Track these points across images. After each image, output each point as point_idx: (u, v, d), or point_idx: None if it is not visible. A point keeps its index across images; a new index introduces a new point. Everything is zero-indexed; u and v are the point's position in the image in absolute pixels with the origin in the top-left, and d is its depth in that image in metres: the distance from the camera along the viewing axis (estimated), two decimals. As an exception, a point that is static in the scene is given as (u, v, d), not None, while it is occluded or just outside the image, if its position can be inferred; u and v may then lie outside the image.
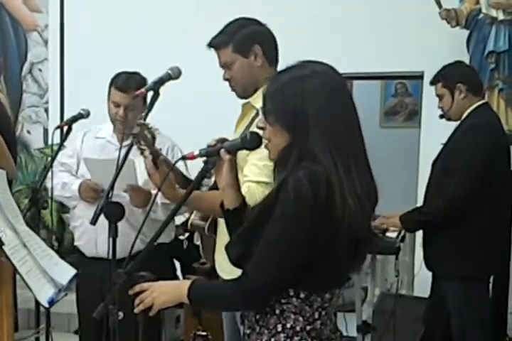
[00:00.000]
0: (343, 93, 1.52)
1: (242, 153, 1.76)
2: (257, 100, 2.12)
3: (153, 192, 2.74)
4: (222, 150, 1.59)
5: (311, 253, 1.44)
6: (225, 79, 2.21)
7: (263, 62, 2.16)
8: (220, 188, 1.64)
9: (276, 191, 1.45)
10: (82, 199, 2.79)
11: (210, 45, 2.19)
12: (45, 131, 5.16)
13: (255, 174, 1.99)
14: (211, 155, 1.60)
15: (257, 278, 1.43)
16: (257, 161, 2.00)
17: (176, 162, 1.65)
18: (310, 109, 1.45)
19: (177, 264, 4.04)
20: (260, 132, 1.56)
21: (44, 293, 1.68)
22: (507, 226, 3.03)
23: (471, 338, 2.97)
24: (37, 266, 1.70)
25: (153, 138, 2.03)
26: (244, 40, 2.14)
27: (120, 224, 2.33)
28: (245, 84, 2.18)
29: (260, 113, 1.55)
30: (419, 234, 3.38)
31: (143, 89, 2.21)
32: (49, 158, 4.84)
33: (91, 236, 2.80)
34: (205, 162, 1.61)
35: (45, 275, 1.71)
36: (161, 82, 2.19)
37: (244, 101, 2.27)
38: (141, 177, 2.70)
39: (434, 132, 4.05)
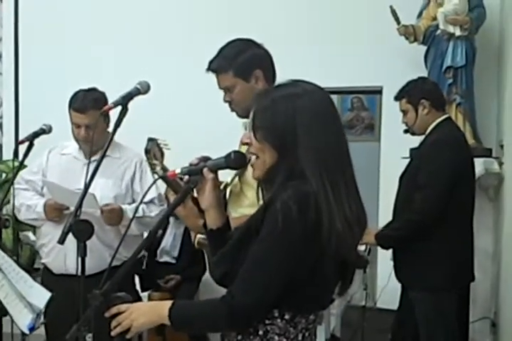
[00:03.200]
0: (333, 115, 1.50)
1: (249, 175, 1.73)
2: None
3: (123, 206, 2.72)
4: (205, 169, 1.56)
5: (297, 274, 1.41)
6: (226, 101, 2.18)
7: (263, 85, 2.13)
8: (203, 208, 1.60)
9: (263, 211, 1.42)
10: (47, 220, 2.77)
11: (209, 68, 2.15)
12: (0, 147, 5.02)
13: None
14: (193, 173, 1.57)
15: (241, 297, 1.40)
16: None
17: (156, 181, 1.61)
18: (301, 129, 1.42)
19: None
20: (244, 149, 1.54)
21: (23, 319, 1.61)
22: (471, 237, 3.08)
23: (439, 349, 3.00)
24: (13, 290, 1.63)
25: (162, 154, 1.99)
26: (245, 65, 2.11)
27: (90, 240, 2.29)
28: (246, 106, 2.07)
29: (247, 128, 1.53)
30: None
31: (111, 104, 2.16)
32: (3, 174, 4.70)
33: (60, 253, 2.77)
34: (187, 181, 1.58)
35: (22, 300, 1.64)
36: (129, 96, 2.15)
37: (245, 123, 2.24)
38: (105, 198, 2.71)
39: (394, 146, 4.11)
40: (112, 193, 2.77)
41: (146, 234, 3.02)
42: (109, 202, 2.73)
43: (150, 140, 2.01)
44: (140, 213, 2.73)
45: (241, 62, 2.10)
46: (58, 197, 2.74)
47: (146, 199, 2.78)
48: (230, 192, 2.05)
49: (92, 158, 2.79)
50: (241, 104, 2.14)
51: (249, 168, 1.79)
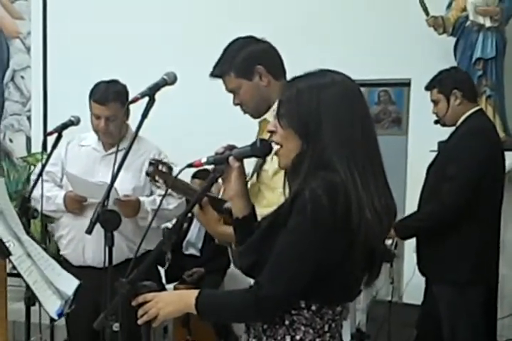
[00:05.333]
0: (361, 105, 1.48)
1: (267, 176, 1.76)
2: (272, 115, 2.11)
3: (142, 199, 2.73)
4: (231, 158, 1.56)
5: (326, 265, 1.41)
6: (236, 105, 2.15)
7: (269, 80, 2.10)
8: (229, 197, 1.60)
9: (291, 201, 1.41)
10: (67, 211, 2.80)
11: (213, 74, 2.14)
12: (28, 139, 5.09)
13: None
14: (219, 162, 1.57)
15: (270, 288, 1.40)
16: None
17: (182, 170, 1.61)
18: (326, 118, 1.42)
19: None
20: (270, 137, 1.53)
21: (52, 305, 1.63)
22: (497, 231, 3.04)
23: (462, 343, 2.97)
24: (42, 276, 1.65)
25: (170, 168, 1.97)
26: (244, 64, 2.07)
27: None
28: (256, 105, 2.12)
29: (272, 116, 1.52)
30: (408, 241, 3.38)
31: (138, 95, 2.16)
32: (32, 167, 4.77)
33: (78, 245, 2.80)
34: (213, 170, 1.58)
35: (51, 286, 1.66)
36: (156, 87, 2.14)
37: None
38: (124, 190, 2.71)
39: (422, 139, 4.07)
40: (131, 185, 2.78)
41: (163, 227, 3.05)
42: (128, 194, 2.74)
43: (150, 164, 2.00)
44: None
45: (239, 62, 2.07)
46: (79, 189, 2.76)
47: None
48: (249, 191, 2.05)
49: (110, 150, 2.82)
50: (250, 104, 2.13)
51: (266, 168, 1.79)
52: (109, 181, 2.50)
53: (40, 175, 2.67)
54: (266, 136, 2.13)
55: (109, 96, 2.74)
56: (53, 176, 2.92)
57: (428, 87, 3.08)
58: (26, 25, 5.06)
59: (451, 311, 2.96)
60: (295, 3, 4.45)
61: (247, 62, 2.07)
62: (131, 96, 2.15)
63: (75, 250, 2.82)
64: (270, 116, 2.11)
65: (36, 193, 2.90)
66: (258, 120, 2.20)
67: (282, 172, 1.83)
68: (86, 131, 2.91)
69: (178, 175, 1.69)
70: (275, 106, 2.05)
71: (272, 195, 1.82)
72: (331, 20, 4.37)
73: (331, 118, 1.42)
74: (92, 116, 2.81)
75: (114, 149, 2.78)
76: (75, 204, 2.76)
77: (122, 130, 2.81)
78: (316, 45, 4.27)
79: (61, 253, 2.94)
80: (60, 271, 1.80)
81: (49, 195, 2.84)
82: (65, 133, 2.71)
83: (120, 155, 2.74)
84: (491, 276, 3.11)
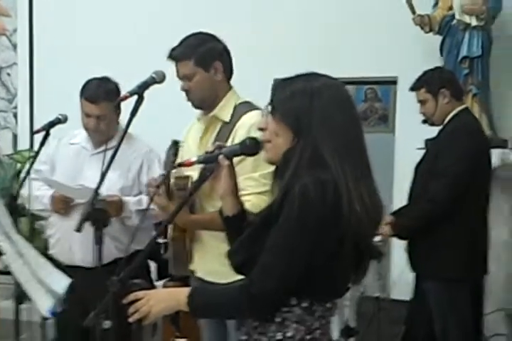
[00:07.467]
0: (350, 105, 1.53)
1: None
2: (223, 113, 2.21)
3: (126, 199, 2.71)
4: (221, 156, 1.57)
5: (317, 259, 1.42)
6: (183, 90, 2.24)
7: (222, 78, 2.23)
8: (219, 195, 1.61)
9: (281, 197, 1.43)
10: (53, 212, 2.78)
11: (171, 56, 2.23)
12: (14, 137, 5.06)
13: (253, 186, 2.02)
14: (209, 161, 1.59)
15: (263, 284, 1.41)
16: (251, 174, 2.02)
17: (172, 168, 1.62)
18: (318, 116, 1.45)
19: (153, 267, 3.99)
20: (259, 135, 1.55)
21: (44, 304, 1.63)
22: (486, 228, 3.07)
23: (454, 339, 3.00)
24: (34, 275, 1.66)
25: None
26: (206, 55, 2.19)
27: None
28: (204, 96, 2.23)
29: (264, 114, 1.54)
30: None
31: (127, 93, 2.16)
32: (18, 164, 4.74)
33: (65, 245, 2.78)
34: (203, 169, 1.59)
35: (43, 285, 1.67)
36: (145, 86, 2.15)
37: (199, 115, 2.32)
38: (111, 190, 2.68)
39: (409, 137, 4.09)
40: (118, 185, 2.75)
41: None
42: (115, 194, 2.71)
43: (175, 143, 2.03)
44: (144, 205, 2.68)
45: (202, 52, 2.19)
46: (63, 192, 2.75)
47: None
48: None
49: (99, 149, 2.79)
50: (198, 94, 2.22)
51: None
52: (96, 180, 2.51)
53: (27, 173, 2.66)
54: (215, 130, 2.21)
55: (100, 95, 2.71)
56: (42, 175, 2.87)
57: (414, 88, 3.09)
58: (12, 22, 5.01)
59: (442, 308, 2.99)
60: (286, 2, 4.45)
61: (209, 54, 2.19)
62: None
63: (62, 250, 2.80)
64: (219, 112, 2.23)
65: (24, 192, 2.88)
66: (197, 115, 2.31)
67: (247, 161, 1.89)
68: (73, 128, 2.90)
69: (168, 174, 1.70)
70: (222, 105, 2.18)
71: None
72: (319, 19, 4.36)
73: (324, 116, 1.45)
74: (82, 114, 2.78)
75: (102, 148, 2.75)
76: (61, 205, 2.74)
77: (112, 128, 2.80)
78: (304, 44, 4.27)
79: (49, 252, 2.91)
80: (52, 269, 1.81)
81: (37, 194, 2.81)
82: (52, 130, 2.72)
83: (109, 153, 2.74)
84: (479, 274, 3.15)
